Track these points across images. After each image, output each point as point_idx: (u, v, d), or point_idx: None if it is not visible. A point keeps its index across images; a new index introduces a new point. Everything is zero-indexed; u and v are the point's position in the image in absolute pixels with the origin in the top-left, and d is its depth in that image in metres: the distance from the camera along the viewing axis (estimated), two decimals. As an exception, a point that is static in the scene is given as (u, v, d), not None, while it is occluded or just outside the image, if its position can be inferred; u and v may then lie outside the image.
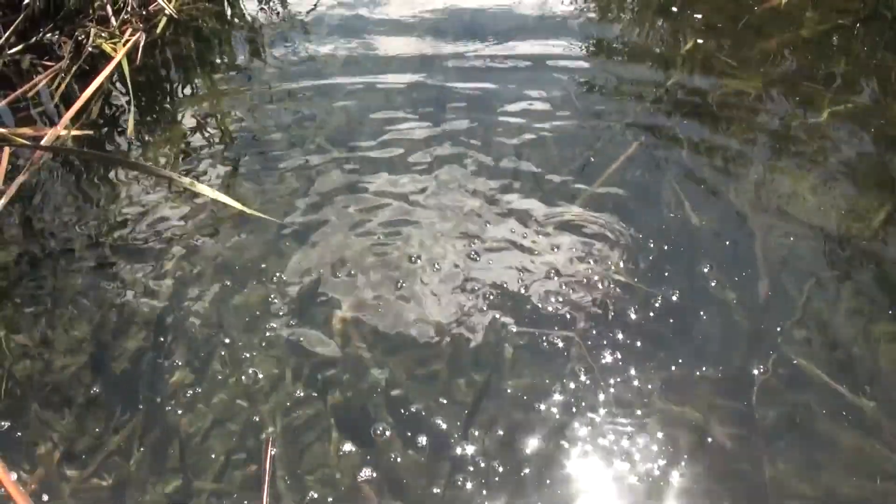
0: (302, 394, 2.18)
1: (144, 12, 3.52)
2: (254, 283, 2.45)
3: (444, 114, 3.12)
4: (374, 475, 2.02)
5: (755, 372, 2.25)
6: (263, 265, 2.51)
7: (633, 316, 2.38)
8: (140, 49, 3.35)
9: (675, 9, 3.72)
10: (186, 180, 2.63)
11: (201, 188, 2.62)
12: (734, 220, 2.69)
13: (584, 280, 2.47)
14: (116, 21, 3.43)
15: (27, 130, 2.88)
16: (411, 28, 3.64)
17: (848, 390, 2.22)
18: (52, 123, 2.98)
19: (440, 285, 2.45)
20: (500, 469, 2.03)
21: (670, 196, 2.76)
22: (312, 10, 3.75)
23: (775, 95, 3.24)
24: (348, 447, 2.07)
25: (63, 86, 3.19)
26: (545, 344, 2.30)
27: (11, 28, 3.30)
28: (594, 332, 2.34)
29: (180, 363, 2.24)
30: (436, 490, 2.00)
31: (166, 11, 3.51)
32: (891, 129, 3.05)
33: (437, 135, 3.01)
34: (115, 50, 3.31)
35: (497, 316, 2.37)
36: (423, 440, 2.08)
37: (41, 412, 2.14)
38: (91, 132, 2.96)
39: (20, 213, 2.69)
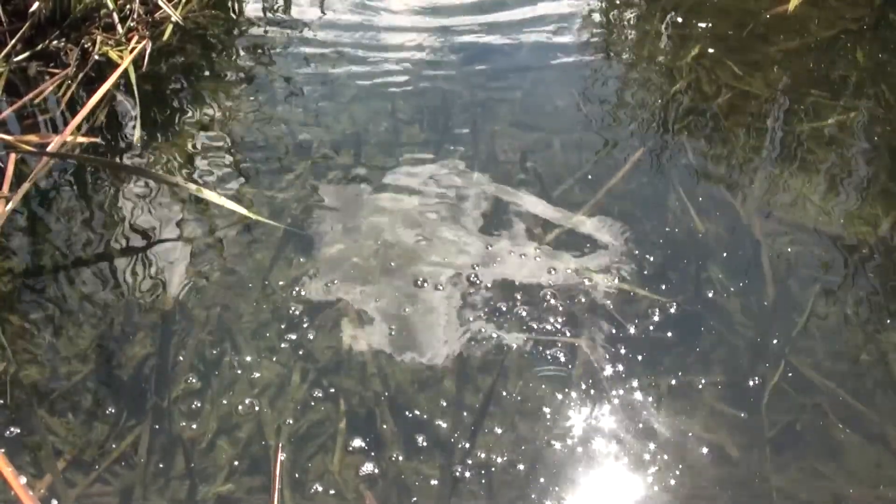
0: (308, 400, 2.18)
1: (151, 20, 3.52)
2: (260, 290, 2.45)
3: (451, 119, 3.13)
4: (381, 482, 2.02)
5: (761, 380, 2.25)
6: (270, 271, 2.51)
7: (638, 323, 2.37)
8: (146, 56, 3.35)
9: (680, 19, 3.72)
10: (193, 186, 2.64)
11: (207, 194, 2.63)
12: (740, 227, 2.69)
13: (589, 287, 2.47)
14: (122, 28, 3.43)
15: (33, 137, 2.88)
16: (418, 34, 3.64)
17: (855, 398, 2.21)
18: (59, 130, 2.98)
19: (446, 291, 2.45)
20: (506, 476, 2.03)
21: (676, 203, 2.76)
22: (319, 16, 3.75)
23: (782, 102, 3.24)
24: (355, 454, 2.07)
25: (69, 93, 3.20)
26: (550, 352, 2.30)
27: (18, 35, 3.30)
28: (599, 339, 2.33)
29: (187, 369, 2.25)
30: (441, 497, 1.99)
31: (173, 19, 3.51)
32: (897, 135, 3.05)
33: (443, 140, 3.01)
34: (121, 57, 3.31)
35: (502, 323, 2.37)
36: (428, 447, 2.08)
37: (48, 418, 2.14)
38: (97, 139, 2.96)
39: (26, 219, 2.69)
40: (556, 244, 2.61)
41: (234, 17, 3.76)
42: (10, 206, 2.61)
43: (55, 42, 3.39)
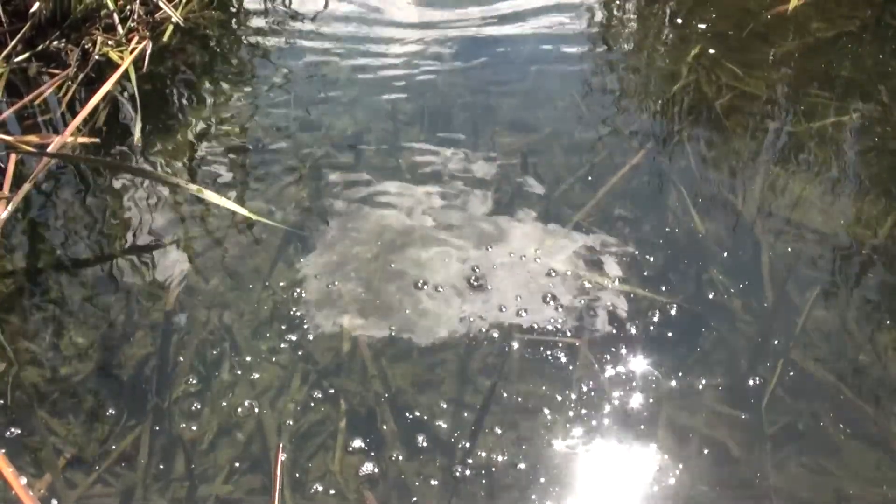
0: (309, 401, 2.18)
1: (151, 20, 3.53)
2: (260, 290, 2.45)
3: (450, 121, 3.13)
4: (381, 483, 2.02)
5: (761, 379, 2.25)
6: (270, 272, 2.51)
7: (638, 324, 2.37)
8: (146, 57, 3.35)
9: (679, 21, 3.72)
10: (193, 187, 2.64)
11: (208, 195, 2.63)
12: (740, 227, 2.68)
13: (590, 288, 2.47)
14: (123, 29, 3.43)
15: (33, 138, 2.88)
16: (418, 35, 3.64)
17: (855, 398, 2.21)
18: (59, 131, 2.98)
19: (446, 293, 2.45)
20: (507, 478, 2.03)
21: (676, 203, 2.76)
22: (319, 17, 3.75)
23: (782, 102, 3.24)
24: (355, 454, 2.07)
25: (70, 93, 3.20)
26: (551, 352, 2.30)
27: (18, 36, 3.30)
28: (600, 339, 2.33)
29: (187, 370, 2.25)
30: (442, 498, 1.99)
31: (173, 19, 3.51)
32: (897, 136, 3.05)
33: (443, 141, 3.01)
34: (121, 58, 3.31)
35: (502, 324, 2.37)
36: (429, 447, 2.08)
37: (48, 419, 2.14)
38: (98, 139, 2.96)
39: (26, 219, 2.69)
40: (556, 244, 2.61)
41: (234, 17, 3.76)
42: (10, 206, 2.61)
43: (56, 43, 3.39)
